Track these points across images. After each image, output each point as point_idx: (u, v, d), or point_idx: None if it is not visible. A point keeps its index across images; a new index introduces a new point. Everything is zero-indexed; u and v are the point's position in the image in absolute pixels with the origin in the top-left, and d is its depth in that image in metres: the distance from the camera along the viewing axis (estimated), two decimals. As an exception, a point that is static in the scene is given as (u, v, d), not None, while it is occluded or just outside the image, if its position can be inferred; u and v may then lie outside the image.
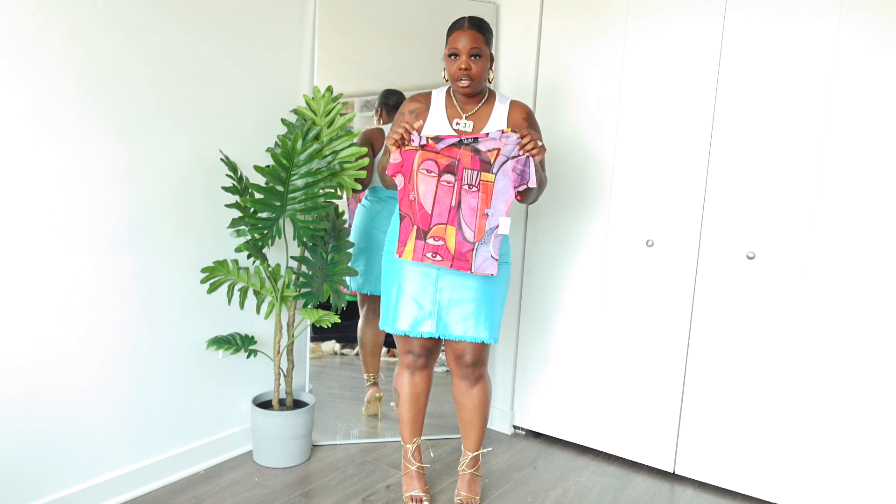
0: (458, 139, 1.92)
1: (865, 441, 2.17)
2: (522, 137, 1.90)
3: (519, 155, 1.91)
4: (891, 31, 2.03)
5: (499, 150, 1.91)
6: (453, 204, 1.92)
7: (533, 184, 1.92)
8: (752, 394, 2.34)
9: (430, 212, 1.92)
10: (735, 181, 2.31)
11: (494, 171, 1.91)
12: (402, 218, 1.97)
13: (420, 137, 1.91)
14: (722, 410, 2.41)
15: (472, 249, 1.93)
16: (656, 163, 2.46)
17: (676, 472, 2.54)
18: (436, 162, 1.91)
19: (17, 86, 1.80)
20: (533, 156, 1.91)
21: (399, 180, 1.93)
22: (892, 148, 2.06)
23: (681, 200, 2.42)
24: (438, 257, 1.95)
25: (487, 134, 1.92)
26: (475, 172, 1.90)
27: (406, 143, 1.91)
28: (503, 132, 1.91)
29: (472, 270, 1.95)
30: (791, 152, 2.21)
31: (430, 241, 1.93)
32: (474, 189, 1.91)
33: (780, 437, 2.30)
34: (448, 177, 1.91)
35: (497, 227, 1.94)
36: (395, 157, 1.91)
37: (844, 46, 2.10)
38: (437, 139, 1.91)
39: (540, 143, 1.91)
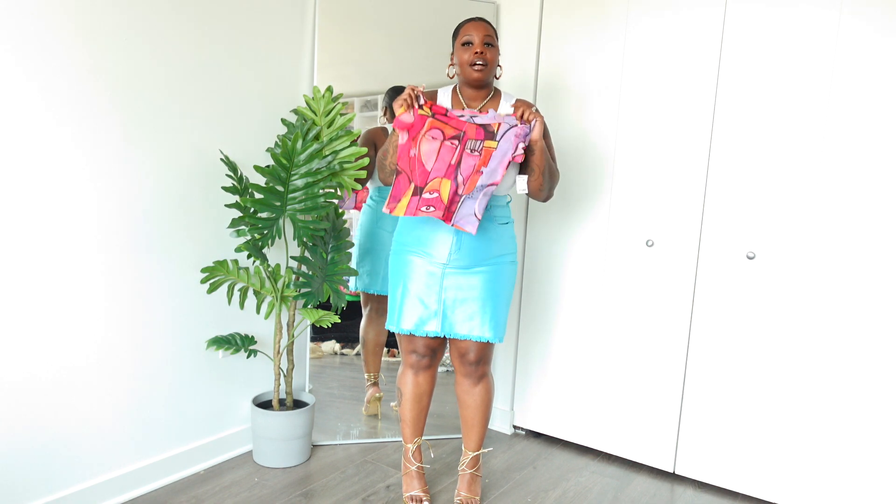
0: (466, 118, 1.97)
1: (865, 441, 2.17)
2: (522, 113, 1.98)
3: (519, 123, 1.97)
4: (894, 19, 2.02)
5: (500, 123, 1.97)
6: (453, 162, 1.94)
7: (525, 140, 1.96)
8: (752, 394, 2.34)
9: (429, 169, 1.94)
10: (735, 181, 2.31)
11: (498, 138, 1.95)
12: (398, 173, 1.97)
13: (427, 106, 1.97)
14: (722, 410, 2.41)
15: (459, 202, 1.92)
16: (656, 162, 2.47)
17: (676, 472, 2.54)
18: (442, 131, 1.95)
19: (21, 85, 1.80)
20: (529, 122, 1.97)
21: (403, 136, 1.96)
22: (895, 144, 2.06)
23: (681, 200, 2.42)
24: (432, 208, 1.91)
25: (498, 125, 1.97)
26: (479, 141, 1.95)
27: (417, 105, 1.96)
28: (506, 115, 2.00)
29: (452, 223, 1.91)
30: (792, 151, 2.21)
31: (426, 195, 1.92)
32: (476, 153, 1.95)
33: (780, 437, 2.30)
34: (453, 141, 1.95)
35: (490, 185, 1.92)
36: (406, 116, 1.94)
37: (846, 37, 2.09)
38: (446, 111, 1.97)
39: (536, 112, 1.99)
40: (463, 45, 2.06)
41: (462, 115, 1.99)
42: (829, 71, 2.13)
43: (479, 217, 1.91)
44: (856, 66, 2.09)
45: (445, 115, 1.98)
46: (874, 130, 2.07)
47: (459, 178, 1.92)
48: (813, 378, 2.23)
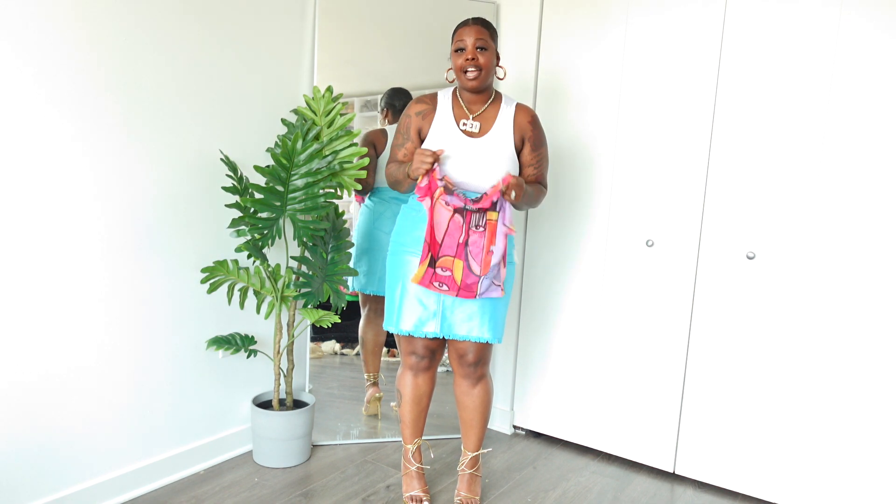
0: (462, 204, 1.98)
1: (865, 441, 2.17)
2: (505, 183, 1.96)
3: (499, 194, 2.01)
4: (894, 16, 2.02)
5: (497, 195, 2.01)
6: (461, 241, 2.00)
7: (510, 222, 2.01)
8: (751, 394, 2.34)
9: (440, 242, 2.00)
10: (735, 181, 2.31)
11: (498, 208, 2.00)
12: (424, 241, 2.02)
13: (440, 177, 1.99)
14: (722, 410, 2.41)
15: (478, 281, 2.01)
16: (656, 162, 2.47)
17: (676, 472, 2.54)
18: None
19: (25, 83, 1.80)
20: (509, 199, 1.97)
21: (426, 203, 2.00)
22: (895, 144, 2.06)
23: (681, 200, 2.42)
24: (445, 287, 2.02)
25: (494, 204, 1.99)
26: (482, 214, 2.00)
27: (431, 173, 1.98)
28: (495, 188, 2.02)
29: (477, 296, 2.02)
30: (792, 151, 2.21)
31: (439, 270, 2.01)
32: (481, 229, 2.00)
33: (781, 437, 2.31)
34: (458, 217, 2.00)
35: (500, 263, 2.01)
36: (422, 181, 1.97)
37: (847, 34, 2.09)
38: (451, 192, 1.99)
39: (514, 187, 1.97)
40: (456, 50, 2.04)
41: (460, 205, 2.00)
42: (830, 69, 2.13)
43: (500, 284, 2.03)
44: (856, 64, 2.09)
45: (450, 193, 1.99)
46: (875, 129, 2.07)
47: (471, 261, 2.00)
48: (813, 378, 2.23)
